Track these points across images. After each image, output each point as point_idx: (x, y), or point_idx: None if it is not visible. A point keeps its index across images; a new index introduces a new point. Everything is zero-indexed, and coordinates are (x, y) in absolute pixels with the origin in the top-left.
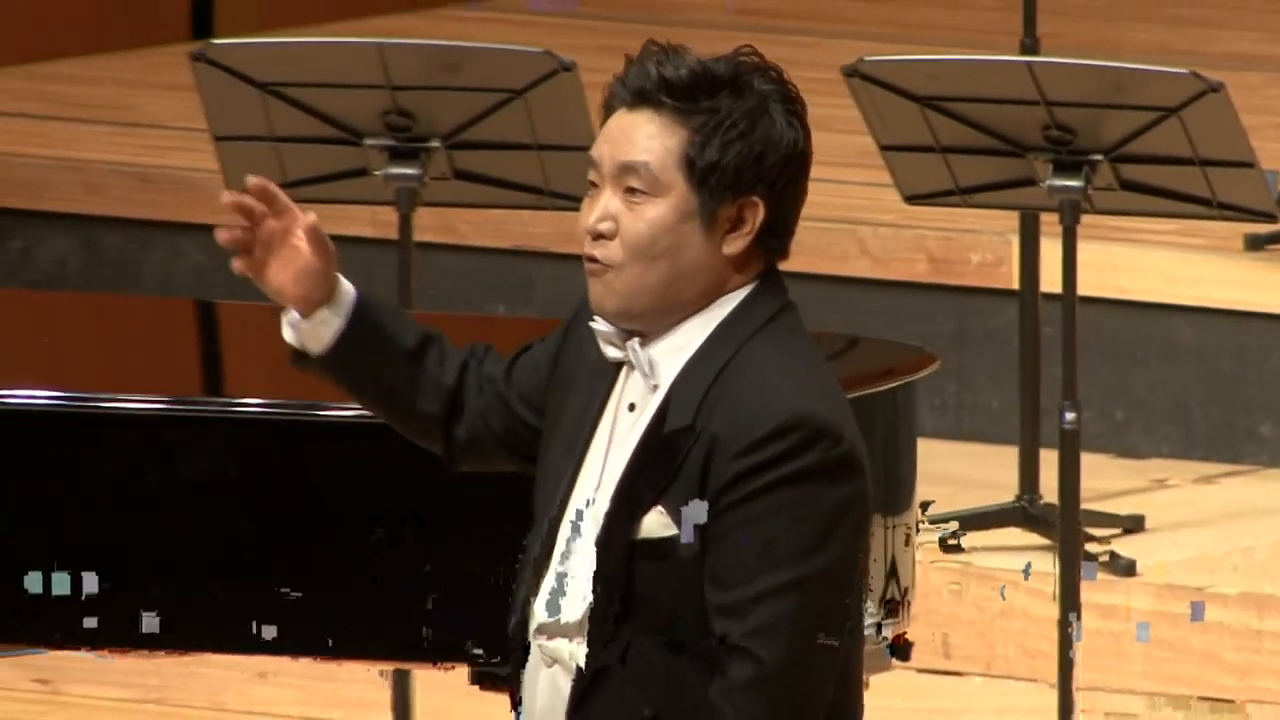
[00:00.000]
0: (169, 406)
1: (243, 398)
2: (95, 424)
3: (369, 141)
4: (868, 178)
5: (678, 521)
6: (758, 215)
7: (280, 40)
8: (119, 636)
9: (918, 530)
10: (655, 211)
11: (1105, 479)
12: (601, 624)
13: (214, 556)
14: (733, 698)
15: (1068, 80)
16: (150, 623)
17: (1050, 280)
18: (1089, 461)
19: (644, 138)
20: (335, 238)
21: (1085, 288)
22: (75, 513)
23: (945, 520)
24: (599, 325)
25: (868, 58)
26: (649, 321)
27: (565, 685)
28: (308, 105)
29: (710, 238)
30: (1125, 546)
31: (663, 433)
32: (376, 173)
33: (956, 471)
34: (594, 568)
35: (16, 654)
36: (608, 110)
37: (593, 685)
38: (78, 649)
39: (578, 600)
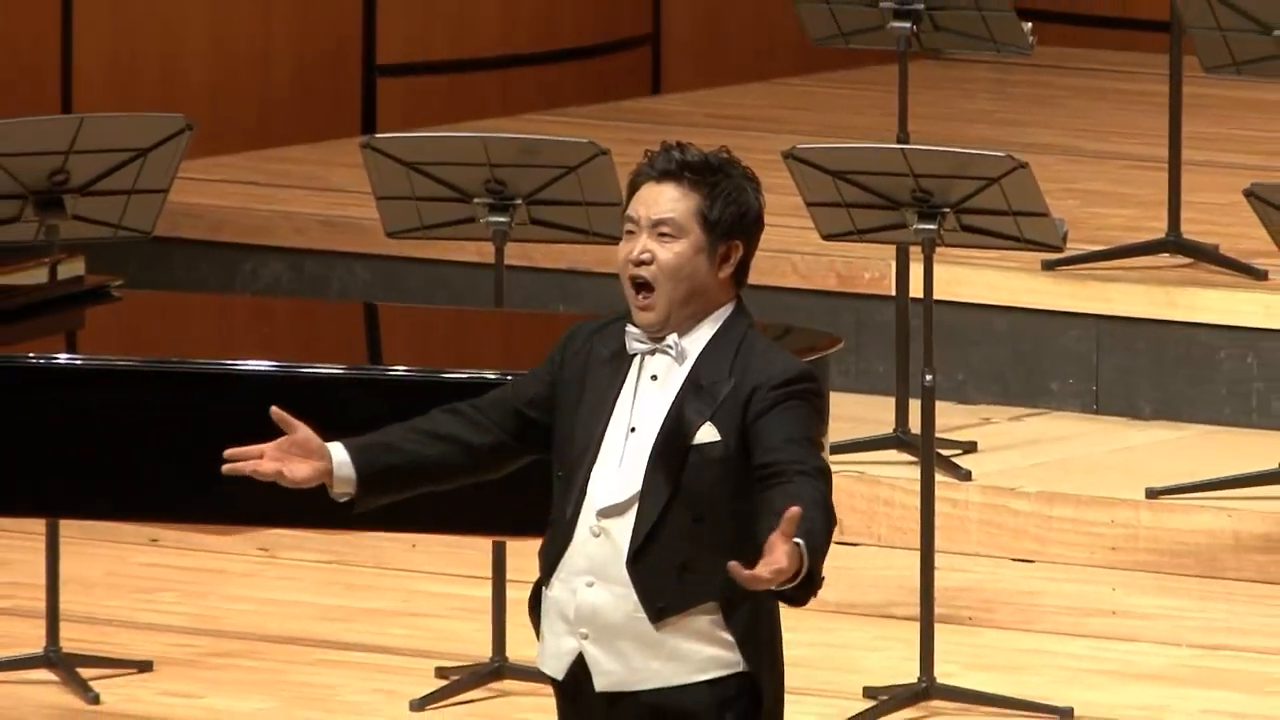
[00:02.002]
0: (345, 371)
1: (394, 366)
2: (297, 384)
3: (476, 200)
4: (798, 224)
5: (722, 432)
6: (738, 253)
7: (418, 134)
8: (322, 521)
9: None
10: (680, 247)
11: (951, 418)
12: (653, 499)
13: None
14: (815, 483)
15: (927, 160)
16: (330, 510)
17: (916, 290)
18: (940, 407)
19: (670, 200)
20: (451, 263)
21: (938, 294)
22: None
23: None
24: (634, 331)
25: (799, 146)
26: (676, 327)
27: (614, 546)
28: (436, 176)
29: (711, 267)
30: (963, 461)
31: (701, 384)
32: (481, 220)
33: (855, 413)
34: (646, 465)
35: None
36: (634, 185)
37: (645, 542)
38: (294, 528)
39: (630, 488)
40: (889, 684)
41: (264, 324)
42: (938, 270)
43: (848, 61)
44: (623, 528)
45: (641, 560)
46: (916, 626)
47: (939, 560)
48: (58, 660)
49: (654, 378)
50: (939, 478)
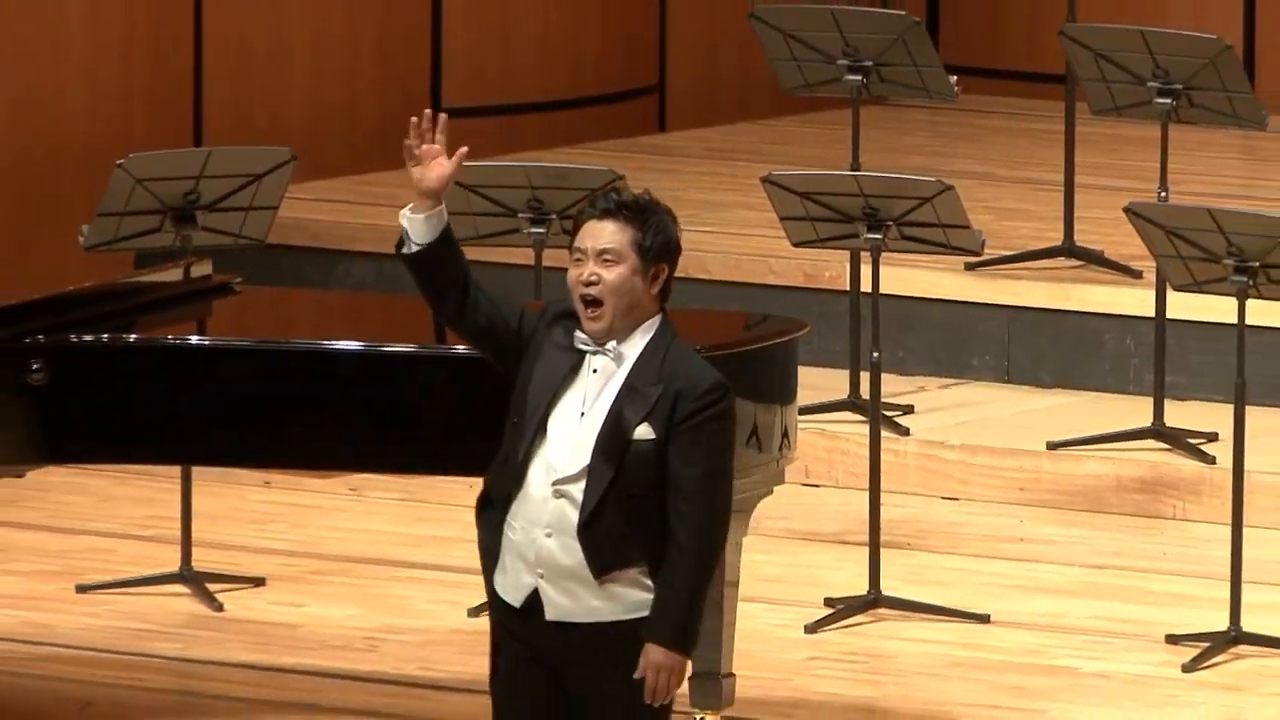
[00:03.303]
0: (417, 349)
1: (456, 345)
2: (379, 359)
3: (520, 215)
4: (774, 234)
5: (655, 429)
6: (664, 274)
7: (475, 164)
8: (399, 468)
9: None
10: (621, 269)
11: (893, 386)
12: (598, 480)
13: (443, 424)
14: (695, 497)
15: (874, 184)
16: (405, 458)
17: (865, 285)
18: (885, 378)
19: (611, 233)
20: (501, 265)
21: (883, 289)
22: (366, 405)
23: (818, 408)
24: (581, 335)
25: (774, 172)
26: (617, 334)
27: (569, 509)
28: (488, 196)
29: (645, 284)
30: (903, 420)
31: (636, 387)
32: (524, 231)
33: (817, 383)
34: (592, 451)
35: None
36: (578, 224)
37: (593, 514)
38: (378, 473)
39: (581, 462)
40: (845, 595)
41: (353, 313)
42: (883, 270)
43: (812, 106)
44: (575, 494)
45: (589, 529)
46: (866, 550)
47: (884, 498)
48: (190, 577)
49: (594, 371)
50: (884, 433)
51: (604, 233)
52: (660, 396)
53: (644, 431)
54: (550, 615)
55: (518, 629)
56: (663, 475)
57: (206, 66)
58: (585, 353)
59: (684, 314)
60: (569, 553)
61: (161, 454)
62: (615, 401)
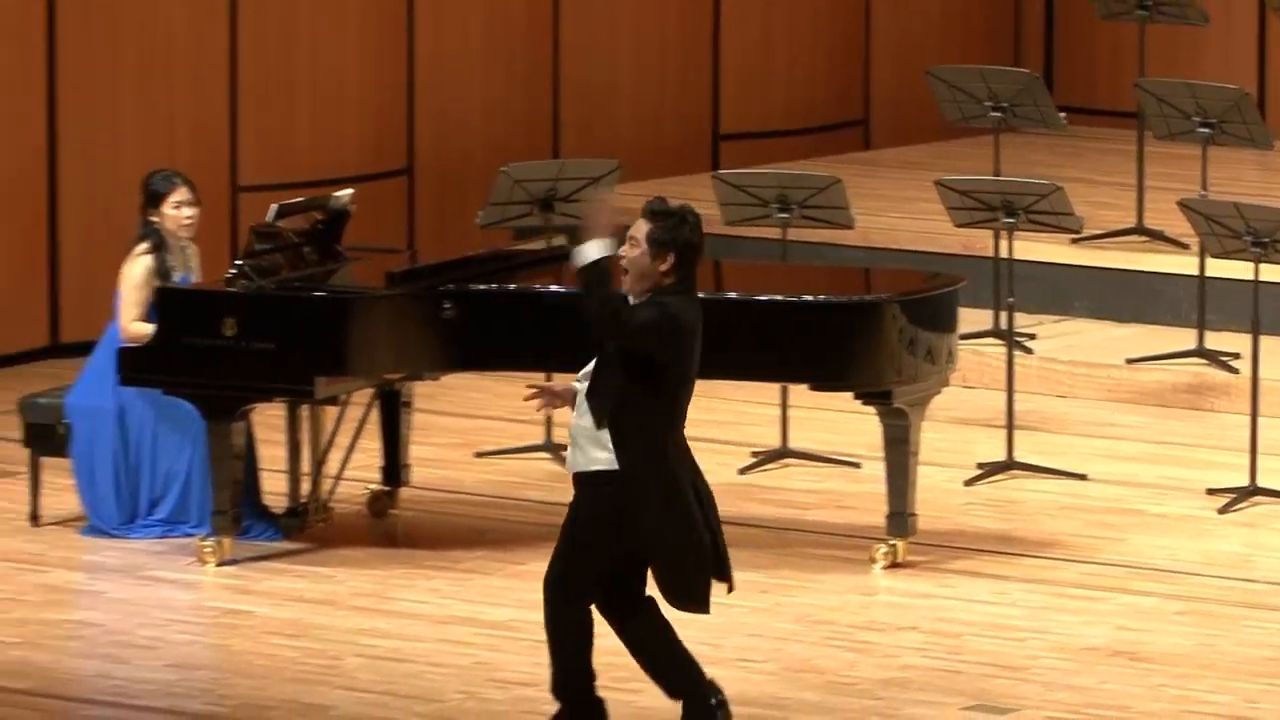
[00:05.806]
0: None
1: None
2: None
3: (771, 204)
4: (943, 219)
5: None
6: (669, 259)
7: (742, 170)
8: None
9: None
10: (638, 250)
11: (1022, 321)
12: (595, 380)
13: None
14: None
15: (1010, 186)
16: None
17: (1004, 253)
18: (1016, 316)
19: (639, 227)
20: (755, 239)
21: (1016, 256)
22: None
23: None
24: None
25: (944, 177)
26: (634, 293)
27: (581, 401)
28: (749, 191)
29: (653, 264)
30: (1029, 343)
31: None
32: (774, 215)
33: (970, 318)
34: (596, 360)
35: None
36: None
37: (591, 398)
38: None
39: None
40: (990, 461)
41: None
42: (1015, 242)
43: (968, 134)
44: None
45: (590, 395)
46: (1005, 431)
47: (1016, 397)
48: (550, 447)
49: None
50: (1015, 353)
51: (639, 227)
52: None
53: (609, 348)
54: (568, 469)
55: None
56: (622, 382)
57: (562, 101)
58: None
59: (882, 271)
60: (581, 424)
61: (532, 363)
62: None
